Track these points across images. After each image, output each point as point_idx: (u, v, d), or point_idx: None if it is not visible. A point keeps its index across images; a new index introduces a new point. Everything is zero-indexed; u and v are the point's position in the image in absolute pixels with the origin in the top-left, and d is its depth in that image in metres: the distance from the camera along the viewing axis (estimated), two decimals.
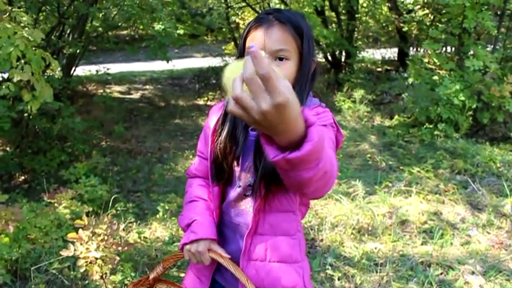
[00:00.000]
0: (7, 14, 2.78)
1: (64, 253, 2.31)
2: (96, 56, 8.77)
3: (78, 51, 5.74)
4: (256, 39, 1.14)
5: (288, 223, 1.28)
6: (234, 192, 1.30)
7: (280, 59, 1.15)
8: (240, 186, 1.29)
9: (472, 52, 5.68)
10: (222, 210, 1.35)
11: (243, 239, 1.27)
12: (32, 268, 2.55)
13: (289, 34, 1.14)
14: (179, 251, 1.34)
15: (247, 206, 1.30)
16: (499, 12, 6.03)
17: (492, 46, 6.06)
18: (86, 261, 2.31)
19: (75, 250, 2.29)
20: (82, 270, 2.35)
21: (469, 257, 3.12)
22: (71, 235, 2.32)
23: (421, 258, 3.07)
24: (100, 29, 6.82)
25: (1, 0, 2.56)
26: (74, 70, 6.49)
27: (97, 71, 7.63)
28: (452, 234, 3.40)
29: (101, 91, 7.75)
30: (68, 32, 6.01)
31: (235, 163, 1.27)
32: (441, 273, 2.92)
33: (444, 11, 6.29)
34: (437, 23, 6.89)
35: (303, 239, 1.35)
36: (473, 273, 2.92)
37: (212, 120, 1.33)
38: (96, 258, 2.32)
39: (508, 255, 3.14)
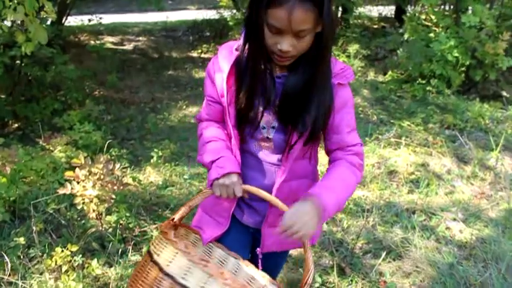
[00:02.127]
0: None
1: (61, 191, 2.37)
2: (87, 6, 8.56)
3: None
4: (279, 19, 1.15)
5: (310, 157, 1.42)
6: (257, 134, 1.35)
7: (300, 36, 1.18)
8: (264, 128, 1.34)
9: (470, 10, 5.63)
10: (242, 151, 1.39)
11: (268, 176, 1.38)
12: (31, 204, 2.61)
13: (310, 12, 1.14)
14: (206, 188, 1.37)
15: (270, 148, 1.37)
16: None
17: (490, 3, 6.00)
18: (83, 199, 2.38)
19: (72, 188, 2.36)
20: (78, 207, 2.44)
21: (452, 205, 3.24)
22: (68, 173, 2.38)
23: (406, 205, 3.19)
24: None
25: None
26: (66, 19, 6.38)
27: (89, 20, 7.49)
28: (437, 185, 3.51)
29: (94, 42, 7.63)
30: None
31: (260, 107, 1.31)
32: (424, 220, 3.04)
33: None
34: None
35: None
36: (454, 219, 3.05)
37: (224, 62, 1.31)
38: (93, 197, 2.39)
39: (489, 205, 3.27)
